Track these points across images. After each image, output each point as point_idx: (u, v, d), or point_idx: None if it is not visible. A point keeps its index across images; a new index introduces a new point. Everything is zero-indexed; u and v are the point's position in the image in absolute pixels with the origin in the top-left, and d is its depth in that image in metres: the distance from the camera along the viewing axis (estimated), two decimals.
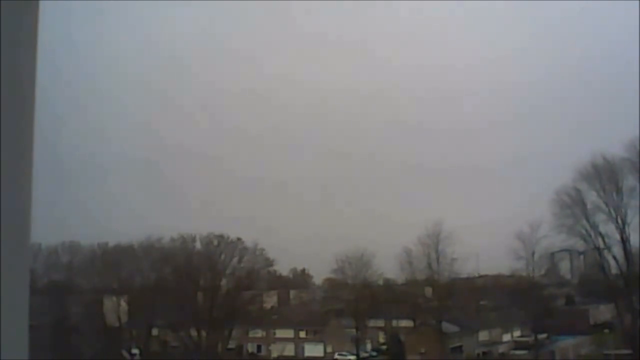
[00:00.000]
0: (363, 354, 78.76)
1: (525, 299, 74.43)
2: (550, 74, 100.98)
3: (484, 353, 77.15)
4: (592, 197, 68.21)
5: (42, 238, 65.88)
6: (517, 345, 78.29)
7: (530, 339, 75.63)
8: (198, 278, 75.94)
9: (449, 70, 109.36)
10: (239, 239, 77.00)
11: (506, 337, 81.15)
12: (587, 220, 68.20)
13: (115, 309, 74.44)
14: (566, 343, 73.96)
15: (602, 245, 68.85)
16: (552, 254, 79.87)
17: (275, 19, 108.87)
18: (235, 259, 77.40)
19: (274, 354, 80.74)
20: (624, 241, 66.75)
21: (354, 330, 78.46)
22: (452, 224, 74.67)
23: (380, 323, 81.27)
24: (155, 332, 75.97)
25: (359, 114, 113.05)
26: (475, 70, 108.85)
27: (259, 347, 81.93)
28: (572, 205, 68.75)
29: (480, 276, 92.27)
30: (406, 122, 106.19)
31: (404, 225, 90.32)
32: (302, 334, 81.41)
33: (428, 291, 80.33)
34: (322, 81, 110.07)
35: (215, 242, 77.47)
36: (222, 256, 77.13)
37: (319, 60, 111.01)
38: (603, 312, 79.70)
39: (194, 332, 72.09)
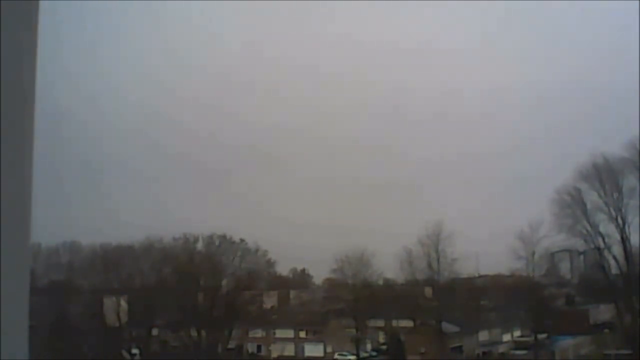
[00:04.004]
0: (363, 354, 78.71)
1: (525, 299, 74.37)
2: (549, 74, 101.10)
3: (484, 353, 77.11)
4: (592, 197, 68.26)
5: (42, 238, 65.96)
6: (517, 345, 78.25)
7: (530, 339, 75.56)
8: (198, 278, 75.93)
9: (450, 70, 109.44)
10: (241, 239, 77.10)
11: (506, 337, 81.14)
12: (587, 220, 68.23)
13: (115, 309, 74.38)
14: (566, 343, 73.91)
15: (602, 245, 68.87)
16: (552, 254, 79.81)
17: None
18: (236, 260, 77.44)
19: (274, 354, 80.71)
20: (624, 241, 66.74)
21: (354, 330, 78.41)
22: (452, 223, 74.88)
23: (380, 323, 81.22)
24: (155, 332, 75.94)
25: (360, 112, 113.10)
26: (476, 70, 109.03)
27: (259, 347, 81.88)
28: (572, 205, 68.78)
29: (480, 276, 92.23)
30: (407, 121, 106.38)
31: (404, 225, 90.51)
32: (302, 334, 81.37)
33: (428, 291, 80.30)
34: (325, 73, 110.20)
35: (217, 243, 77.52)
36: (223, 256, 77.17)
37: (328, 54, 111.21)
38: (603, 312, 79.65)
39: (194, 332, 72.08)
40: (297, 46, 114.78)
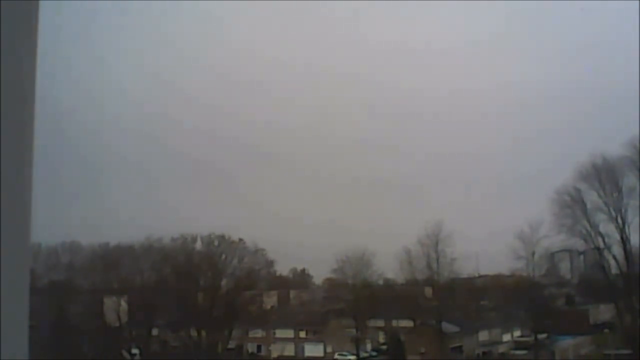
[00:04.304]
0: (363, 354, 78.72)
1: (525, 299, 74.39)
2: (549, 74, 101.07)
3: (484, 353, 77.12)
4: (592, 197, 68.25)
5: (42, 238, 65.92)
6: (517, 345, 78.27)
7: (530, 339, 75.60)
8: (198, 278, 75.94)
9: (450, 70, 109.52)
10: (240, 239, 77.09)
11: (506, 337, 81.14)
12: (587, 220, 68.21)
13: (115, 309, 74.40)
14: (566, 343, 73.93)
15: (602, 245, 68.84)
16: (552, 254, 79.79)
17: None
18: (235, 259, 77.43)
19: (274, 354, 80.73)
20: (624, 241, 66.73)
21: (354, 330, 78.42)
22: (452, 223, 74.89)
23: (380, 323, 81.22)
24: (155, 332, 75.94)
25: (359, 111, 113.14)
26: (476, 70, 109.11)
27: (259, 347, 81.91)
28: (572, 205, 68.76)
29: (480, 276, 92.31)
30: (407, 120, 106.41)
31: (404, 225, 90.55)
32: (302, 334, 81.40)
33: (428, 291, 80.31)
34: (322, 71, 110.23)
35: (216, 243, 77.50)
36: (223, 256, 77.15)
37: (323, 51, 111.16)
38: (603, 312, 79.66)
39: (194, 332, 72.09)
40: (300, 46, 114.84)
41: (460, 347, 75.94)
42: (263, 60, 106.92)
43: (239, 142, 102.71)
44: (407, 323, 77.91)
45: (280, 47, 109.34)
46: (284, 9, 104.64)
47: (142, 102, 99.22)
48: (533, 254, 72.80)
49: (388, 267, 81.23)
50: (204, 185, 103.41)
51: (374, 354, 80.00)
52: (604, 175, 67.59)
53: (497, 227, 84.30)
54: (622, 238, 66.67)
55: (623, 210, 66.49)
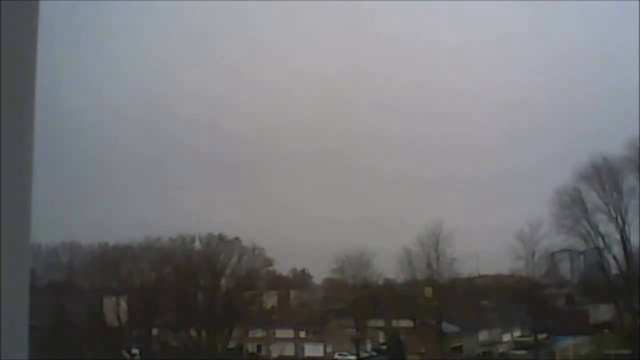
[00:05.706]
0: (363, 354, 78.71)
1: (525, 299, 74.36)
2: (548, 74, 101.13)
3: (484, 353, 77.11)
4: (592, 197, 68.18)
5: (42, 238, 65.93)
6: (517, 345, 78.27)
7: (530, 339, 75.59)
8: (198, 278, 75.89)
9: (451, 68, 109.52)
10: (236, 238, 77.04)
11: (506, 337, 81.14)
12: (587, 220, 68.11)
13: (115, 309, 74.32)
14: (566, 343, 73.91)
15: (602, 245, 68.75)
16: (552, 254, 79.68)
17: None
18: (235, 259, 77.39)
19: (274, 354, 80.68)
20: (624, 241, 66.64)
21: (354, 330, 78.42)
22: (452, 222, 74.92)
23: (380, 323, 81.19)
24: (155, 332, 75.87)
25: (362, 110, 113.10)
26: (477, 69, 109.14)
27: (259, 347, 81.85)
28: (572, 205, 68.66)
29: (480, 276, 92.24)
30: (407, 120, 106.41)
31: (405, 226, 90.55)
32: (302, 334, 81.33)
33: (428, 291, 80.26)
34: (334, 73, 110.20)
35: (215, 242, 77.44)
36: (222, 256, 77.08)
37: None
38: (603, 312, 79.65)
39: (194, 332, 72.03)
40: (304, 45, 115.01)
41: (460, 347, 75.93)
42: (264, 58, 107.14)
43: (240, 139, 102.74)
44: (407, 323, 77.83)
45: (286, 45, 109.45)
46: (303, 7, 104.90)
47: (143, 100, 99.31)
48: (533, 254, 72.77)
49: (388, 267, 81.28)
50: (204, 184, 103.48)
51: (374, 354, 79.97)
52: (604, 175, 67.52)
53: (497, 227, 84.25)
54: (622, 238, 66.63)
55: (623, 211, 66.45)
